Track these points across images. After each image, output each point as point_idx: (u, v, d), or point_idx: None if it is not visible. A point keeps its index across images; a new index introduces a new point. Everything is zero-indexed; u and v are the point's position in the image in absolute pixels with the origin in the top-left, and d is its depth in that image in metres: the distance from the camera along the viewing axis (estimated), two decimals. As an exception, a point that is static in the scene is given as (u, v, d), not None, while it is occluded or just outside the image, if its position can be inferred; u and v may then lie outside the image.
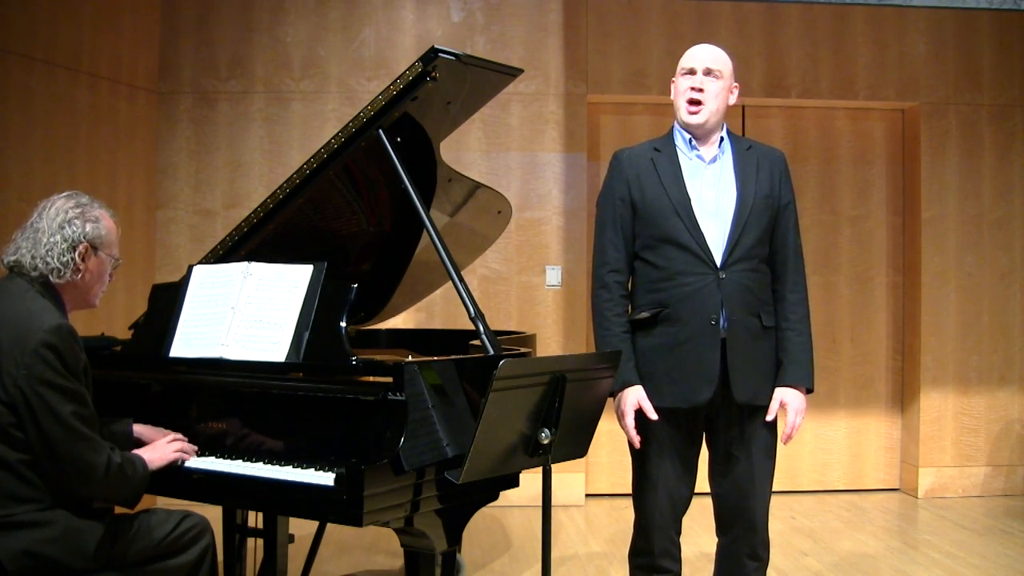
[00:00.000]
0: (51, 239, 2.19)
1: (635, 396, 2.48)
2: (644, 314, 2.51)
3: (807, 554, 4.12)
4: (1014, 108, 5.30)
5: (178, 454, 2.31)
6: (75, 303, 2.27)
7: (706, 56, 2.55)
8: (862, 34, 5.21)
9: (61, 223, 2.20)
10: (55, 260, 2.18)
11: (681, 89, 2.55)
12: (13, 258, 2.21)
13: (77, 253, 2.20)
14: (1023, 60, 5.29)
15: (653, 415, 2.47)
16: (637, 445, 2.52)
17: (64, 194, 2.28)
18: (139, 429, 2.43)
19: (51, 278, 2.19)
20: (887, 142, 5.46)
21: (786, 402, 2.51)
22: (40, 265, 2.18)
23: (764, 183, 2.53)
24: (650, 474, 2.54)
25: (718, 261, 2.46)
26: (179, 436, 2.39)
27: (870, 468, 5.44)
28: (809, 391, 2.56)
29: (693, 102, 2.52)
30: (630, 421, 2.49)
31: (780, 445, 2.60)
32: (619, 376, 2.43)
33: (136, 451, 2.27)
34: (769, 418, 2.51)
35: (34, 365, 2.03)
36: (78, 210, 2.23)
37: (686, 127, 2.55)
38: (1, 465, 2.05)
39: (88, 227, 2.23)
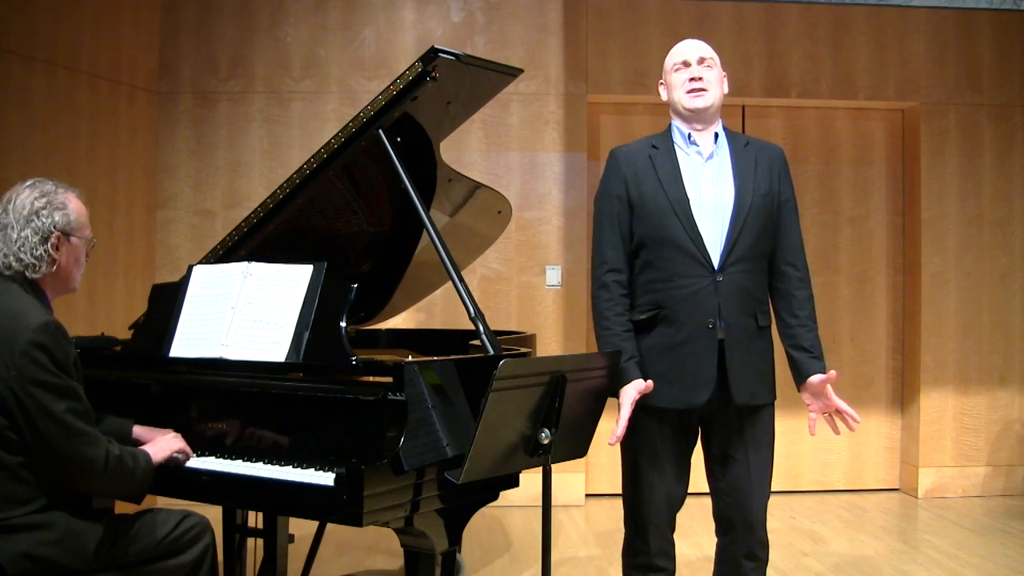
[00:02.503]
0: (21, 234, 2.13)
1: (635, 389, 2.44)
2: (641, 315, 2.51)
3: (807, 554, 4.12)
4: (1014, 108, 5.30)
5: (179, 445, 2.31)
6: (56, 292, 2.23)
7: (696, 47, 2.55)
8: (862, 34, 5.21)
9: (28, 216, 2.14)
10: (28, 255, 2.13)
11: (679, 82, 2.53)
12: None
13: (50, 244, 2.15)
14: (1023, 60, 5.30)
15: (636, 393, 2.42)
16: (615, 440, 2.45)
17: (27, 184, 2.20)
18: (139, 431, 2.42)
19: (28, 274, 2.14)
20: (887, 142, 5.46)
21: (829, 393, 2.49)
22: (14, 263, 2.13)
23: (763, 181, 2.52)
24: (646, 474, 2.54)
25: (716, 263, 2.44)
26: (179, 435, 2.37)
27: (870, 468, 5.44)
28: None
29: (695, 90, 2.50)
30: (625, 412, 2.44)
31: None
32: (621, 374, 2.43)
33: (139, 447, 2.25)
34: (831, 374, 2.47)
35: (24, 367, 2.00)
36: (44, 199, 2.16)
37: (690, 112, 2.52)
38: None
39: (57, 216, 2.16)
